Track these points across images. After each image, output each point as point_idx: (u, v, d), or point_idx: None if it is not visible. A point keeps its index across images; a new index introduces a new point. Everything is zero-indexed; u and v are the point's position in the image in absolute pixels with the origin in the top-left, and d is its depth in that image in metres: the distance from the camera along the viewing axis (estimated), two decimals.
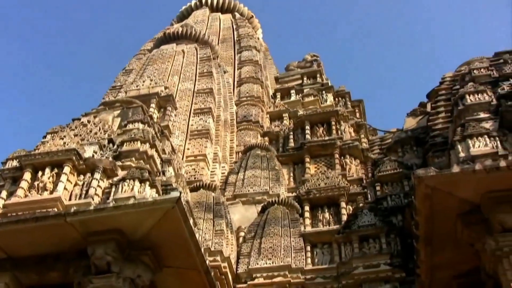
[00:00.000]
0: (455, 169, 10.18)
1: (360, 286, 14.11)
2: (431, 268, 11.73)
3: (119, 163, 13.50)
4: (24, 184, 12.65)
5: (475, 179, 10.12)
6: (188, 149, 18.19)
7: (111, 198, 12.31)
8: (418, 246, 11.40)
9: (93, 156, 13.39)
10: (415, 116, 21.72)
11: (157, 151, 14.50)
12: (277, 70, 27.62)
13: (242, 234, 15.80)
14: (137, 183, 12.49)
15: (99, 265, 10.66)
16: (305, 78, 24.78)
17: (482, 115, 13.91)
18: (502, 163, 10.07)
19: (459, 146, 12.88)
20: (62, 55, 66.26)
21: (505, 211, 10.07)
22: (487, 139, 12.81)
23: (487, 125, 13.48)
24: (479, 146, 12.72)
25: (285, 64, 27.42)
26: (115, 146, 14.13)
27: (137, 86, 19.08)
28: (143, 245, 10.96)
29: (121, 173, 13.14)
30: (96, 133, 14.36)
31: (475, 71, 15.79)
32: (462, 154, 12.68)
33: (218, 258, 13.89)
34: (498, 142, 12.84)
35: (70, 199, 12.39)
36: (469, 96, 14.45)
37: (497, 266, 10.01)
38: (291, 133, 19.99)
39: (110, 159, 13.46)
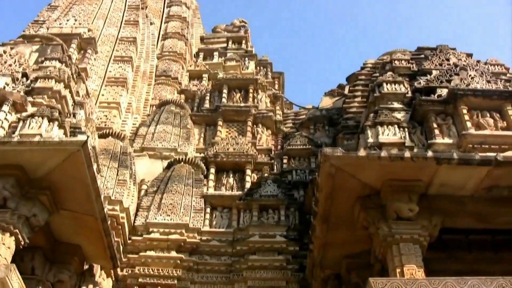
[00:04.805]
0: (362, 153, 10.36)
1: (254, 254, 14.30)
2: (324, 245, 11.95)
3: (30, 98, 13.20)
4: None
5: (379, 165, 10.32)
6: (102, 95, 17.93)
7: (17, 133, 12.07)
8: (315, 222, 11.58)
9: (4, 87, 13.03)
10: (332, 96, 21.99)
11: (71, 92, 14.24)
12: (204, 30, 27.38)
13: (144, 187, 15.76)
14: (45, 121, 12.27)
15: None
16: (230, 42, 24.65)
17: (396, 105, 14.22)
18: (407, 154, 10.31)
19: (369, 132, 13.18)
20: None
21: (401, 200, 10.32)
22: (397, 129, 13.15)
23: (399, 115, 13.82)
24: (388, 135, 13.06)
25: (213, 25, 27.25)
26: (29, 81, 13.80)
27: (60, 24, 18.64)
28: (42, 184, 10.77)
29: (30, 109, 12.87)
30: (10, 65, 13.97)
31: (396, 61, 16.08)
32: (370, 140, 12.98)
33: (117, 208, 13.81)
34: (407, 134, 13.21)
35: None
36: (387, 85, 14.73)
37: (387, 252, 10.28)
38: (208, 94, 19.91)
39: (22, 93, 13.15)
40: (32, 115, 12.40)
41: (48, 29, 18.36)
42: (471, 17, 59.90)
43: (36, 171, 10.61)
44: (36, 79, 13.79)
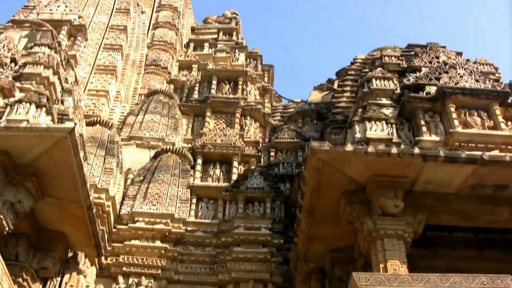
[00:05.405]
0: (349, 147, 10.38)
1: (238, 246, 14.32)
2: (309, 238, 11.99)
3: (18, 84, 13.14)
4: None
5: (365, 161, 10.36)
6: (91, 83, 17.87)
7: (4, 118, 11.99)
8: (300, 216, 11.61)
9: None
10: (321, 90, 22.03)
11: (59, 79, 14.20)
12: (195, 21, 27.31)
13: (131, 176, 15.73)
14: (33, 107, 12.21)
15: None
16: (221, 34, 24.59)
17: (385, 101, 14.24)
18: (394, 150, 10.35)
19: (356, 127, 13.19)
20: None
21: (387, 196, 10.37)
22: (385, 125, 13.17)
23: (388, 111, 13.84)
24: (375, 130, 13.08)
25: (204, 16, 27.18)
26: (17, 67, 13.74)
27: (50, 10, 18.50)
28: (29, 171, 10.74)
29: (18, 95, 12.81)
30: None
31: (386, 58, 16.11)
32: (358, 135, 12.99)
33: (103, 196, 13.79)
34: (394, 130, 13.24)
35: None
36: (376, 80, 14.75)
37: (371, 247, 10.34)
38: (197, 85, 19.90)
39: (10, 78, 13.09)
40: (19, 101, 12.33)
41: (38, 14, 18.22)
42: (464, 15, 60.00)
43: (23, 157, 10.58)
44: (24, 64, 13.73)
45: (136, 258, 13.96)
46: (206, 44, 23.44)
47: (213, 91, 19.25)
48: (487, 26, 58.71)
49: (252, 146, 17.60)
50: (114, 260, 14.02)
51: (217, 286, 14.08)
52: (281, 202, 15.35)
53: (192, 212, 15.18)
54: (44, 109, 12.36)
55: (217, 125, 18.32)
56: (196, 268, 14.27)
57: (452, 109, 13.31)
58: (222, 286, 14.03)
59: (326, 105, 19.61)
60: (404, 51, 16.96)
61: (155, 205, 14.79)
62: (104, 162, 14.60)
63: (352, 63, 19.03)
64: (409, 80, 14.54)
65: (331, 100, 18.82)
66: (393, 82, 14.80)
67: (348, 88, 17.79)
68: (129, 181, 15.62)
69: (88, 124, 15.60)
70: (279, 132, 18.11)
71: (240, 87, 19.52)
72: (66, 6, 18.72)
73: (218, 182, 16.10)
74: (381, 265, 9.89)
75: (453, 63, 14.91)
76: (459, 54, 15.83)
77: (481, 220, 11.19)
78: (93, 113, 16.78)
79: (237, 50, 23.08)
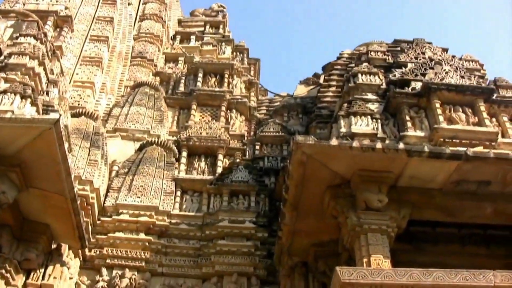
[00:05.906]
0: (334, 142, 10.40)
1: (222, 239, 14.30)
2: (293, 232, 12.00)
3: (3, 74, 13.08)
4: None
5: (350, 155, 10.37)
6: (77, 74, 17.79)
7: None
8: (284, 210, 11.62)
9: None
10: (307, 85, 22.05)
11: (45, 69, 14.13)
12: (182, 13, 27.23)
13: (116, 168, 15.69)
14: (18, 98, 12.17)
15: None
16: (208, 27, 24.53)
17: (370, 96, 14.30)
18: (378, 145, 10.37)
19: (342, 121, 13.26)
20: None
21: (371, 191, 10.40)
22: (370, 120, 13.25)
23: (373, 106, 13.92)
24: (360, 125, 13.17)
25: (191, 9, 27.12)
26: (2, 57, 13.69)
27: (36, 0, 18.40)
28: (13, 162, 10.67)
29: (3, 86, 12.75)
30: None
31: (372, 53, 16.17)
32: (343, 129, 13.06)
33: (88, 188, 13.75)
34: (380, 125, 13.32)
35: None
36: (362, 75, 14.82)
37: (354, 241, 10.37)
38: (183, 77, 19.84)
39: None
40: (4, 92, 12.28)
41: (24, 4, 18.13)
42: (452, 11, 60.17)
43: (7, 148, 10.52)
44: (10, 55, 13.66)
45: (120, 250, 13.93)
46: (193, 37, 23.36)
47: (199, 84, 19.21)
48: (478, 22, 58.86)
49: (237, 140, 17.60)
50: (98, 252, 13.98)
51: (200, 279, 14.05)
52: (266, 196, 15.35)
53: (177, 205, 15.16)
54: (29, 100, 12.32)
55: (203, 118, 18.28)
56: (180, 261, 14.25)
57: (437, 105, 13.39)
58: (205, 279, 14.00)
59: (312, 99, 19.64)
60: (391, 46, 17.02)
61: (139, 198, 14.77)
62: (89, 154, 14.54)
63: (338, 58, 19.06)
64: (395, 75, 14.60)
65: (317, 94, 18.86)
66: (379, 77, 14.87)
67: (334, 83, 17.83)
68: (113, 173, 15.58)
69: (73, 115, 15.54)
70: (264, 125, 18.11)
71: (226, 80, 19.48)
72: None
73: (203, 175, 16.08)
74: (365, 260, 9.92)
75: (439, 59, 15.00)
76: (445, 50, 15.91)
77: (464, 216, 11.25)
78: (79, 104, 16.72)
79: (223, 43, 23.04)
